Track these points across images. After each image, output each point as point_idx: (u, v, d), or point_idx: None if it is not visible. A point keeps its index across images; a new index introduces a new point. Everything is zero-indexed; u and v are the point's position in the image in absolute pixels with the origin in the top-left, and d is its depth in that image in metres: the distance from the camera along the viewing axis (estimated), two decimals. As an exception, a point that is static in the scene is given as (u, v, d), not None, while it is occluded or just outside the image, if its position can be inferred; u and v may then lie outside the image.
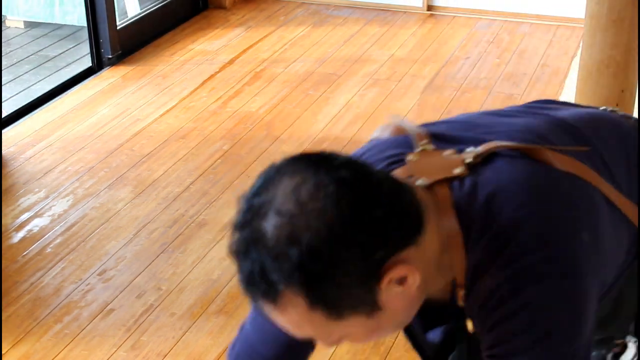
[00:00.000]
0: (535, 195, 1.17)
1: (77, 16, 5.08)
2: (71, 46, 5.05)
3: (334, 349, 2.47)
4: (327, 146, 3.62)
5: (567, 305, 1.13)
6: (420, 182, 1.17)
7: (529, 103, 1.48)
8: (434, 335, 1.37)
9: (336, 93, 4.13)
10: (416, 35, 4.84)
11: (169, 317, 2.65)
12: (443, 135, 1.27)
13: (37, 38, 5.19)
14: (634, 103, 2.61)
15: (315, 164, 1.06)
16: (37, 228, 3.11)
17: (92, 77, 4.36)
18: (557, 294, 1.13)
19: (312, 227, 1.01)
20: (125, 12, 4.96)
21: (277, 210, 1.04)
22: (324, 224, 1.01)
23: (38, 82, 4.59)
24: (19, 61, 4.88)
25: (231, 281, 2.79)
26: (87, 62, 4.50)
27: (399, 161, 1.23)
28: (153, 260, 2.91)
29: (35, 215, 3.18)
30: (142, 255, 2.94)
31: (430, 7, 5.17)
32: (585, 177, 1.21)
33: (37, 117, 3.95)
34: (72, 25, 5.20)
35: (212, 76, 4.35)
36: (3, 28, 5.27)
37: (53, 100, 4.12)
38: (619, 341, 1.45)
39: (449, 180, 1.17)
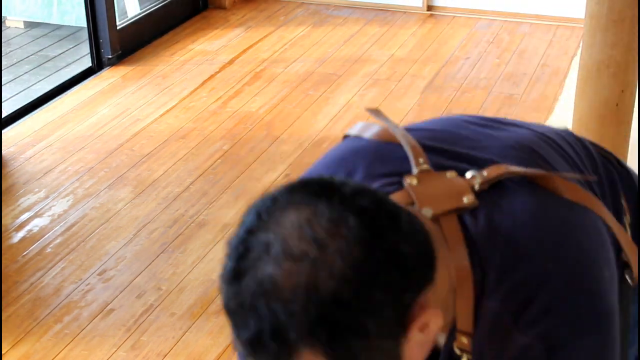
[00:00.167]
0: (557, 237, 1.06)
1: (75, 16, 5.08)
2: (71, 46, 5.05)
3: None
4: (327, 146, 3.63)
5: (605, 354, 1.07)
6: (425, 211, 1.03)
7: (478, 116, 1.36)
8: None
9: (336, 93, 4.13)
10: (416, 35, 4.84)
11: (169, 317, 2.65)
12: (434, 149, 1.13)
13: (37, 38, 5.19)
14: (634, 103, 2.61)
15: (325, 192, 0.89)
16: (37, 228, 3.11)
17: (92, 77, 4.36)
18: (594, 347, 1.06)
19: (335, 270, 0.84)
20: (125, 12, 4.96)
21: (286, 252, 0.85)
22: (349, 265, 0.85)
23: (38, 82, 4.59)
24: (19, 61, 4.88)
25: (231, 281, 2.79)
26: (87, 62, 4.50)
27: (396, 183, 1.07)
28: (153, 260, 2.91)
29: (35, 215, 3.18)
30: (142, 255, 2.94)
31: (430, 7, 5.16)
32: (592, 207, 1.12)
33: (37, 117, 3.95)
34: (72, 26, 5.20)
35: (212, 76, 4.35)
36: (3, 28, 5.27)
37: (53, 100, 4.12)
38: None
39: (458, 211, 1.05)
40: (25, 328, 2.61)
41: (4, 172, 3.47)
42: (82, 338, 2.56)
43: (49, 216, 3.17)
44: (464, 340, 1.03)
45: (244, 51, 4.64)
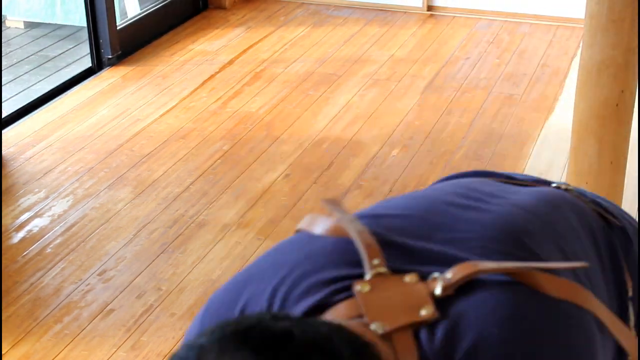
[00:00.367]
0: (529, 349, 0.91)
1: (79, 16, 5.08)
2: (71, 46, 5.05)
3: None
4: (327, 146, 3.63)
5: None
6: (375, 327, 0.90)
7: (467, 181, 1.24)
8: None
9: (336, 93, 4.13)
10: (416, 36, 4.84)
11: (169, 317, 2.65)
12: (397, 245, 1.00)
13: (37, 38, 5.19)
14: (634, 103, 2.61)
15: (265, 348, 0.77)
16: (37, 228, 3.11)
17: (92, 77, 4.37)
18: None
19: None
20: (125, 12, 4.96)
21: None
22: None
23: (38, 82, 4.59)
24: (19, 61, 4.88)
25: (231, 281, 2.79)
26: (87, 63, 4.50)
27: (345, 289, 0.93)
28: (153, 261, 2.91)
29: (35, 216, 3.18)
30: (142, 256, 2.94)
31: (430, 7, 5.17)
32: (579, 302, 0.99)
33: (37, 118, 3.95)
34: (72, 26, 5.20)
35: (212, 76, 4.35)
36: (3, 28, 5.27)
37: (53, 100, 4.12)
38: None
39: (415, 326, 0.91)
40: (25, 328, 2.61)
41: (4, 172, 3.47)
42: (82, 338, 2.56)
43: (49, 216, 3.17)
44: None
45: (244, 51, 4.64)
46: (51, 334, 2.58)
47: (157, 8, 4.89)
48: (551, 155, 3.53)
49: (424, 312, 0.90)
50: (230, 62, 4.51)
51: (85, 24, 4.49)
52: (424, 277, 0.94)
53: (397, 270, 0.95)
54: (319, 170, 3.45)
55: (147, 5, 4.94)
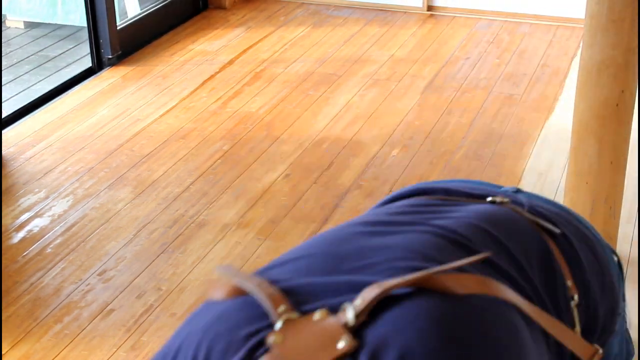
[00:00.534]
0: (453, 351, 0.90)
1: (80, 16, 5.08)
2: (71, 46, 5.06)
3: None
4: (327, 146, 3.63)
5: None
6: None
7: (380, 210, 1.25)
8: None
9: (336, 93, 4.13)
10: (416, 36, 4.84)
11: (169, 317, 2.65)
12: (302, 286, 0.99)
13: (38, 38, 5.19)
14: (634, 103, 2.61)
15: None
16: (37, 228, 3.11)
17: (92, 77, 4.37)
18: None
19: None
20: (125, 12, 4.96)
21: None
22: None
23: (38, 82, 4.59)
24: (19, 61, 4.88)
25: (231, 281, 2.79)
26: (87, 63, 4.50)
27: (260, 344, 0.92)
28: (153, 261, 2.91)
29: (35, 216, 3.18)
30: (142, 256, 2.94)
31: (430, 7, 5.17)
32: (492, 292, 0.99)
33: (37, 118, 3.95)
34: (72, 26, 5.20)
35: (212, 76, 4.35)
36: (3, 28, 5.28)
37: (53, 100, 4.12)
38: None
39: None
40: (25, 328, 2.61)
41: (4, 172, 3.47)
42: (82, 338, 2.56)
43: (49, 216, 3.17)
44: None
45: (244, 51, 4.65)
46: (51, 334, 2.58)
47: (157, 8, 4.90)
48: (551, 155, 3.53)
49: (341, 345, 0.88)
50: (230, 62, 4.51)
51: (85, 24, 4.50)
52: (333, 310, 0.93)
53: (306, 311, 0.94)
54: (319, 170, 3.45)
55: (147, 5, 4.94)
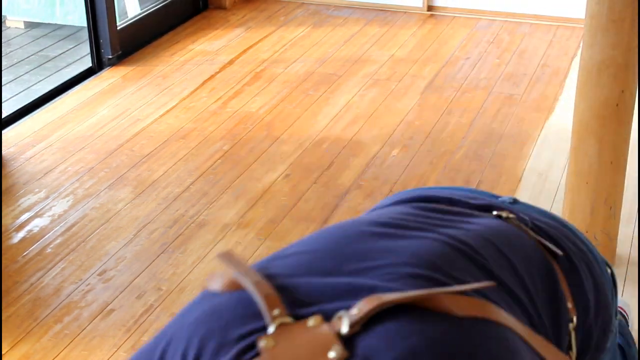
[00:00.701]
0: None
1: (78, 16, 5.08)
2: (71, 46, 5.06)
3: None
4: (327, 146, 3.63)
5: None
6: None
7: (392, 210, 1.24)
8: None
9: (336, 93, 4.13)
10: (416, 36, 4.84)
11: (169, 317, 2.65)
12: (300, 286, 0.97)
13: (38, 38, 5.19)
14: (634, 103, 2.61)
15: None
16: (37, 228, 3.11)
17: (92, 77, 4.37)
18: None
19: None
20: (125, 12, 4.96)
21: None
22: None
23: (38, 82, 4.59)
24: (19, 61, 4.88)
25: (231, 281, 2.79)
26: (87, 63, 4.50)
27: (251, 347, 0.91)
28: (153, 261, 2.91)
29: (35, 216, 3.18)
30: (142, 256, 2.94)
31: (430, 7, 5.17)
32: (492, 317, 0.98)
33: (38, 118, 3.95)
34: (72, 26, 5.20)
35: (212, 76, 4.35)
36: (3, 28, 5.28)
37: (53, 100, 4.12)
38: None
39: None
40: (25, 328, 2.61)
41: (4, 172, 3.47)
42: (82, 338, 2.56)
43: (49, 216, 3.17)
44: None
45: (244, 51, 4.65)
46: (51, 334, 2.58)
47: (157, 8, 4.90)
48: (551, 155, 3.53)
49: (332, 355, 0.87)
50: (231, 62, 4.51)
51: (85, 24, 4.50)
52: (328, 316, 0.92)
53: (301, 316, 0.93)
54: (319, 170, 3.45)
55: (147, 5, 4.95)
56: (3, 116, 3.86)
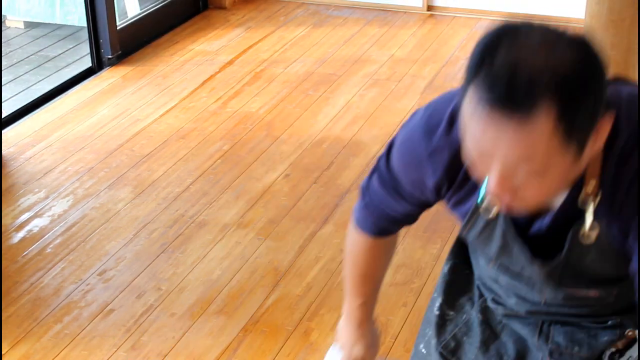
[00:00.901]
0: None
1: (78, 16, 5.08)
2: (71, 46, 5.05)
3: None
4: (327, 146, 3.63)
5: None
6: None
7: None
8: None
9: (336, 93, 4.13)
10: (416, 36, 4.84)
11: (169, 317, 2.65)
12: None
13: (37, 38, 5.19)
14: (634, 103, 2.61)
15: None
16: (37, 228, 3.11)
17: (92, 77, 4.37)
18: None
19: (574, 58, 1.08)
20: (125, 12, 4.96)
21: (545, 37, 1.15)
22: (579, 59, 1.08)
23: (38, 82, 4.59)
24: (19, 61, 4.88)
25: (231, 281, 2.79)
26: (87, 63, 4.50)
27: None
28: (153, 261, 2.91)
29: (35, 216, 3.18)
30: (142, 256, 2.94)
31: (430, 7, 5.17)
32: None
33: (37, 118, 3.95)
34: (72, 26, 5.20)
35: (212, 76, 4.35)
36: (3, 28, 5.28)
37: (53, 100, 4.12)
38: (630, 332, 1.41)
39: None
40: (25, 328, 2.61)
41: (4, 172, 3.47)
42: (82, 338, 2.56)
43: (49, 216, 3.17)
44: (593, 183, 1.18)
45: (244, 51, 4.65)
46: (51, 334, 2.58)
47: (157, 8, 4.90)
48: (551, 155, 3.53)
49: None
50: (230, 62, 4.51)
51: (85, 24, 4.50)
52: None
53: None
54: (319, 170, 3.45)
55: (147, 5, 4.95)
56: (3, 116, 3.86)
